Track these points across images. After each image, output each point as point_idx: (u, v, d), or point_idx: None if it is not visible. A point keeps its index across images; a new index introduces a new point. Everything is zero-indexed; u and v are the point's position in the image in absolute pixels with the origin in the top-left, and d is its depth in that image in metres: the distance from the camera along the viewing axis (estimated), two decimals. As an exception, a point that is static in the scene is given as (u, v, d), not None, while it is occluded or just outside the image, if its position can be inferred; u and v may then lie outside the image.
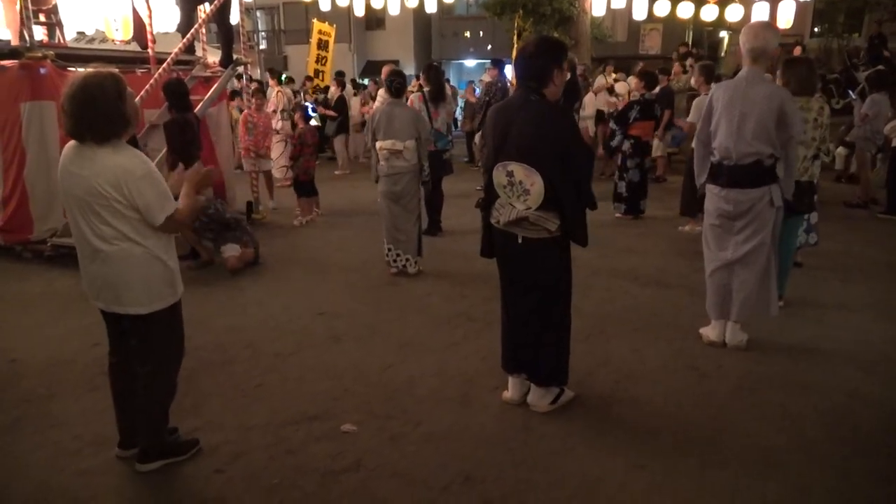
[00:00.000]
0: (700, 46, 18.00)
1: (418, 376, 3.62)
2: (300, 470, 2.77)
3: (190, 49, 7.38)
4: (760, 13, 11.11)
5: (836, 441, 2.95)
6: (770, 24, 4.48)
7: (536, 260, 3.02)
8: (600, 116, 10.86)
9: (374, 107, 9.58)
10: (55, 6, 7.40)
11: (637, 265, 5.68)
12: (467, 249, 5.63)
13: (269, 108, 9.69)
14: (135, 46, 7.85)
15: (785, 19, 11.49)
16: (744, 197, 3.63)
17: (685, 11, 12.13)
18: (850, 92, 11.93)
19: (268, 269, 5.79)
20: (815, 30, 19.03)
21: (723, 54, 18.90)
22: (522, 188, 2.91)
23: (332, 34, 13.96)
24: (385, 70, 6.63)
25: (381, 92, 9.31)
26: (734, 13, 11.98)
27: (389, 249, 5.43)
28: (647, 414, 3.21)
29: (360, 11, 13.02)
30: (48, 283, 5.42)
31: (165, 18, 8.11)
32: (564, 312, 3.16)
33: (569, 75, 5.07)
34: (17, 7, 5.80)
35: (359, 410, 3.26)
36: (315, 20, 14.01)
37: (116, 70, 2.52)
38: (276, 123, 9.63)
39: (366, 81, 15.77)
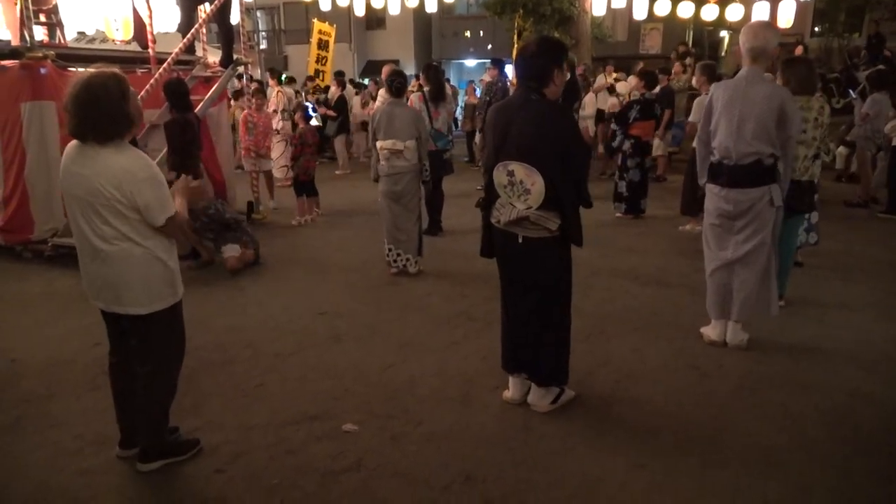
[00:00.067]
0: (700, 46, 17.97)
1: (419, 376, 3.62)
2: (301, 470, 2.77)
3: (190, 49, 7.37)
4: (761, 13, 11.12)
5: (837, 440, 2.95)
6: (770, 24, 4.48)
7: (537, 259, 3.02)
8: (600, 116, 10.87)
9: (375, 107, 9.58)
10: (55, 6, 7.41)
11: (637, 264, 5.67)
12: (467, 249, 5.63)
13: (270, 108, 9.69)
14: (135, 46, 7.85)
15: (785, 19, 11.50)
16: (744, 197, 3.63)
17: (685, 11, 12.14)
18: (851, 91, 11.92)
19: (268, 269, 5.79)
20: (816, 29, 19.05)
21: (723, 54, 18.91)
22: (523, 188, 2.91)
23: (333, 34, 13.98)
24: (385, 70, 6.62)
25: (382, 92, 9.31)
26: (734, 13, 11.99)
27: (390, 249, 5.43)
28: (647, 413, 3.21)
29: (360, 11, 13.03)
30: (48, 283, 5.42)
31: (166, 18, 8.12)
32: (564, 312, 3.16)
33: (568, 75, 5.07)
34: (18, 7, 5.80)
35: (359, 410, 3.26)
36: (315, 20, 14.04)
37: (119, 70, 2.52)
38: (277, 123, 9.64)
39: (366, 81, 15.77)
